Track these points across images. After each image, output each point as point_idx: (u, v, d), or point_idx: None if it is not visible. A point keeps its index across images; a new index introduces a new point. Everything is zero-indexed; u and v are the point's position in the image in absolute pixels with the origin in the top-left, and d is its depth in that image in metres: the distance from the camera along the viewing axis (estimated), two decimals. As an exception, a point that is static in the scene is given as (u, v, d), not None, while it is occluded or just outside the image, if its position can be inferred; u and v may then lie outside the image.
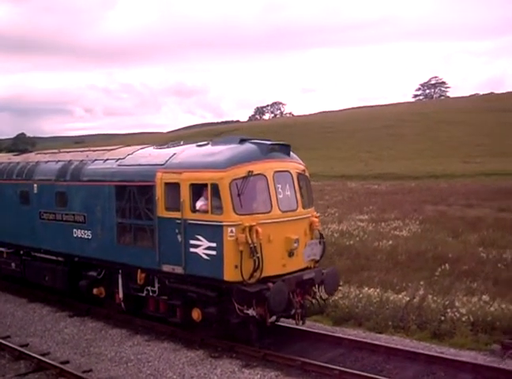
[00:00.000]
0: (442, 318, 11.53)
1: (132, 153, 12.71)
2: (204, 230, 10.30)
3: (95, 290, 13.11)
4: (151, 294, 11.82)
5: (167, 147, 12.30)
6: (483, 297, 12.28)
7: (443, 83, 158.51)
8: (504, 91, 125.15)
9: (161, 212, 11.04)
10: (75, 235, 13.40)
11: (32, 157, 16.35)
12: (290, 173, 11.16)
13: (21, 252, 15.48)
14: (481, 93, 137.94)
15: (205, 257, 10.29)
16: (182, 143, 12.37)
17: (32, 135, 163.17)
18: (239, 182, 10.12)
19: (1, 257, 16.23)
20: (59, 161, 14.54)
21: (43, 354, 11.06)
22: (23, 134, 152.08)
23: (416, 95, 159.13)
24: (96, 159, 13.39)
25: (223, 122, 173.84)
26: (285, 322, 11.57)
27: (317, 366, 9.79)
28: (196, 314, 10.80)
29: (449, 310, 11.63)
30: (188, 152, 11.35)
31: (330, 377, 9.50)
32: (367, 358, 10.31)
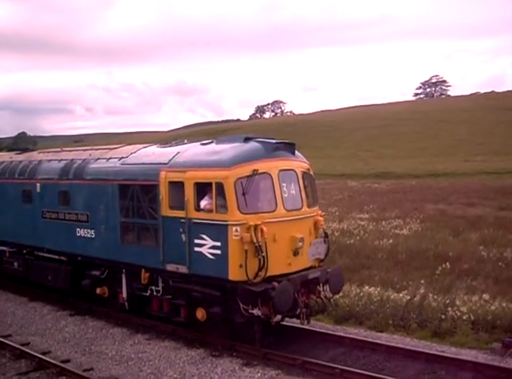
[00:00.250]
0: (443, 317, 11.56)
1: (135, 152, 12.66)
2: (208, 230, 10.25)
3: (98, 290, 13.07)
4: (155, 293, 11.76)
5: (171, 145, 12.24)
6: (484, 295, 12.33)
7: (444, 82, 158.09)
8: (505, 90, 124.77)
9: (165, 211, 11.00)
10: (78, 234, 13.37)
11: (35, 156, 16.24)
12: (295, 171, 11.08)
13: (24, 251, 15.41)
14: (482, 92, 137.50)
15: (210, 256, 10.25)
16: (185, 141, 12.34)
17: (32, 134, 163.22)
18: (243, 181, 10.05)
19: (4, 257, 16.14)
20: (62, 160, 14.46)
21: (44, 353, 11.07)
22: (24, 133, 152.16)
23: (416, 94, 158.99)
24: (98, 158, 13.35)
25: (223, 121, 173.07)
26: (285, 321, 11.55)
27: (318, 365, 9.80)
28: (200, 314, 10.75)
29: (449, 309, 11.67)
30: (192, 151, 11.27)
31: (331, 376, 9.52)
32: (367, 357, 10.34)
